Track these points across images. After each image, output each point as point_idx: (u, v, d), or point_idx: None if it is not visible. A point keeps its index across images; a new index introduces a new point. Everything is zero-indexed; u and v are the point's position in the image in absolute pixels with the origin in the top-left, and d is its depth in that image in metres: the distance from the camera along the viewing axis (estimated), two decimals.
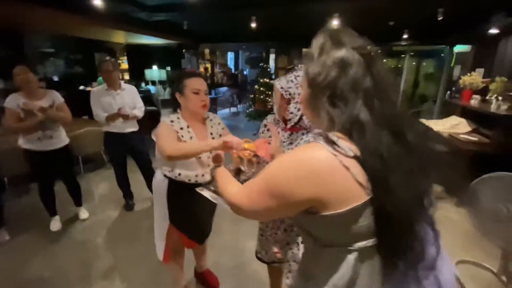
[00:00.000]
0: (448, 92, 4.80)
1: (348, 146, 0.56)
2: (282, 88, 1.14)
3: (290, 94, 1.13)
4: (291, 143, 1.21)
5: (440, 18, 3.46)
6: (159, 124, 1.32)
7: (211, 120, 1.49)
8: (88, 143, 3.59)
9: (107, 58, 5.72)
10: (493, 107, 3.34)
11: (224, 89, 9.45)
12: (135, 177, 3.02)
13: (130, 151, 2.84)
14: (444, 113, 5.74)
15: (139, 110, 2.76)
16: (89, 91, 5.01)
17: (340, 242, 0.60)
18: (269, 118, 1.36)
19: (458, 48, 5.96)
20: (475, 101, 3.92)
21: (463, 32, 4.35)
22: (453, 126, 4.10)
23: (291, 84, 1.13)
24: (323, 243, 0.64)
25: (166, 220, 1.47)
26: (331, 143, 0.57)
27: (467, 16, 3.84)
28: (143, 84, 5.94)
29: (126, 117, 2.57)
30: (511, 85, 3.39)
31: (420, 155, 0.58)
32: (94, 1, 3.18)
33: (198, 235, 1.60)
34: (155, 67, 6.14)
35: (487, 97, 3.69)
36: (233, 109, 9.21)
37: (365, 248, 0.58)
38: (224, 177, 0.88)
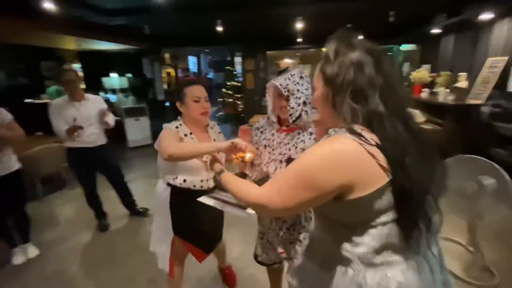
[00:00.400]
0: None
1: (370, 136, 0.64)
2: (281, 85, 1.16)
3: (288, 91, 1.16)
4: (287, 143, 1.23)
5: (391, 20, 3.80)
6: (163, 130, 1.29)
7: (211, 128, 1.48)
8: (45, 162, 3.20)
9: (67, 66, 5.20)
10: (441, 98, 3.78)
11: None
12: (106, 194, 2.79)
13: (100, 166, 2.62)
14: None
15: (111, 119, 2.56)
16: (38, 104, 4.57)
17: (363, 220, 0.67)
18: (262, 121, 1.37)
19: (404, 47, 6.64)
20: (425, 94, 4.39)
21: (409, 33, 4.85)
22: None
23: (289, 81, 1.17)
24: (346, 225, 0.70)
25: (170, 232, 1.42)
26: (356, 134, 0.64)
27: (412, 18, 4.28)
28: (101, 93, 5.48)
29: (106, 124, 2.44)
30: (454, 78, 3.86)
31: (422, 140, 0.68)
32: (41, 4, 2.85)
33: (207, 243, 1.55)
34: (114, 75, 5.71)
35: (435, 90, 4.15)
36: None
37: (386, 222, 0.66)
38: (236, 181, 0.87)
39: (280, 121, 1.27)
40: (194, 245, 1.47)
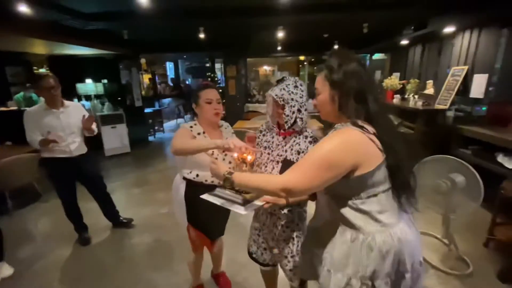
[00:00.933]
0: None
1: (369, 128, 0.85)
2: (276, 95, 1.26)
3: (284, 100, 1.26)
4: (285, 145, 1.33)
5: (365, 32, 4.07)
6: (178, 129, 1.45)
7: (225, 128, 1.61)
8: (16, 174, 2.98)
9: (44, 71, 4.85)
10: (411, 104, 4.09)
11: (167, 100, 9.02)
12: (86, 206, 2.66)
13: (81, 177, 2.50)
14: None
15: (95, 125, 2.47)
16: (5, 112, 4.22)
17: (367, 191, 0.87)
18: (264, 125, 1.47)
19: (375, 56, 7.08)
20: (396, 100, 4.72)
21: (380, 43, 5.19)
22: None
23: (284, 92, 1.26)
24: (354, 198, 0.89)
25: (185, 220, 1.58)
26: (358, 126, 0.85)
27: (383, 30, 4.61)
28: (75, 100, 5.20)
29: (91, 131, 2.38)
30: (422, 85, 4.20)
31: (399, 130, 0.96)
32: (10, 6, 2.68)
33: (213, 232, 1.68)
34: (89, 81, 5.45)
35: (406, 96, 4.48)
36: (180, 121, 8.86)
37: (384, 190, 0.87)
38: (255, 175, 1.00)
39: (279, 126, 1.37)
40: (202, 232, 1.60)
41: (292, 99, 1.26)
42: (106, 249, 2.47)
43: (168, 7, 3.49)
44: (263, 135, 1.44)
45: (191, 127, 1.46)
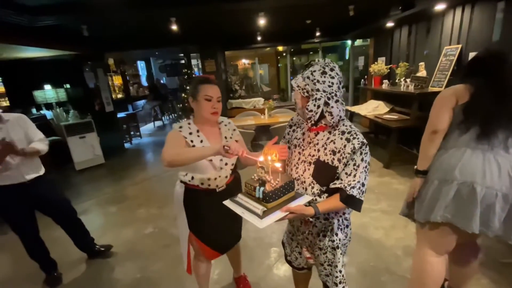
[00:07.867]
0: (362, 80, 5.48)
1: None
2: (298, 87, 1.06)
3: (307, 92, 1.04)
4: (317, 144, 1.11)
5: (351, 14, 3.81)
6: (169, 133, 1.31)
7: (225, 125, 1.46)
8: None
9: None
10: (403, 88, 3.92)
11: (141, 102, 8.39)
12: (53, 235, 2.22)
13: (40, 205, 2.04)
14: (357, 99, 6.56)
15: (42, 142, 1.98)
16: None
17: None
18: (295, 119, 1.29)
19: (358, 42, 6.91)
20: (385, 85, 4.55)
21: (362, 29, 4.98)
22: (374, 108, 4.67)
23: (308, 81, 1.04)
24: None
25: (187, 229, 1.45)
26: None
27: (367, 14, 4.39)
28: (33, 110, 4.56)
29: (15, 152, 1.79)
30: (414, 68, 4.03)
31: None
32: None
33: (219, 243, 1.51)
34: (48, 87, 4.80)
35: (396, 80, 4.31)
36: (158, 123, 8.28)
37: None
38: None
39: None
40: (204, 243, 1.46)
41: (318, 90, 1.01)
42: (82, 287, 2.06)
43: None
44: (293, 131, 1.26)
45: (180, 127, 1.33)
